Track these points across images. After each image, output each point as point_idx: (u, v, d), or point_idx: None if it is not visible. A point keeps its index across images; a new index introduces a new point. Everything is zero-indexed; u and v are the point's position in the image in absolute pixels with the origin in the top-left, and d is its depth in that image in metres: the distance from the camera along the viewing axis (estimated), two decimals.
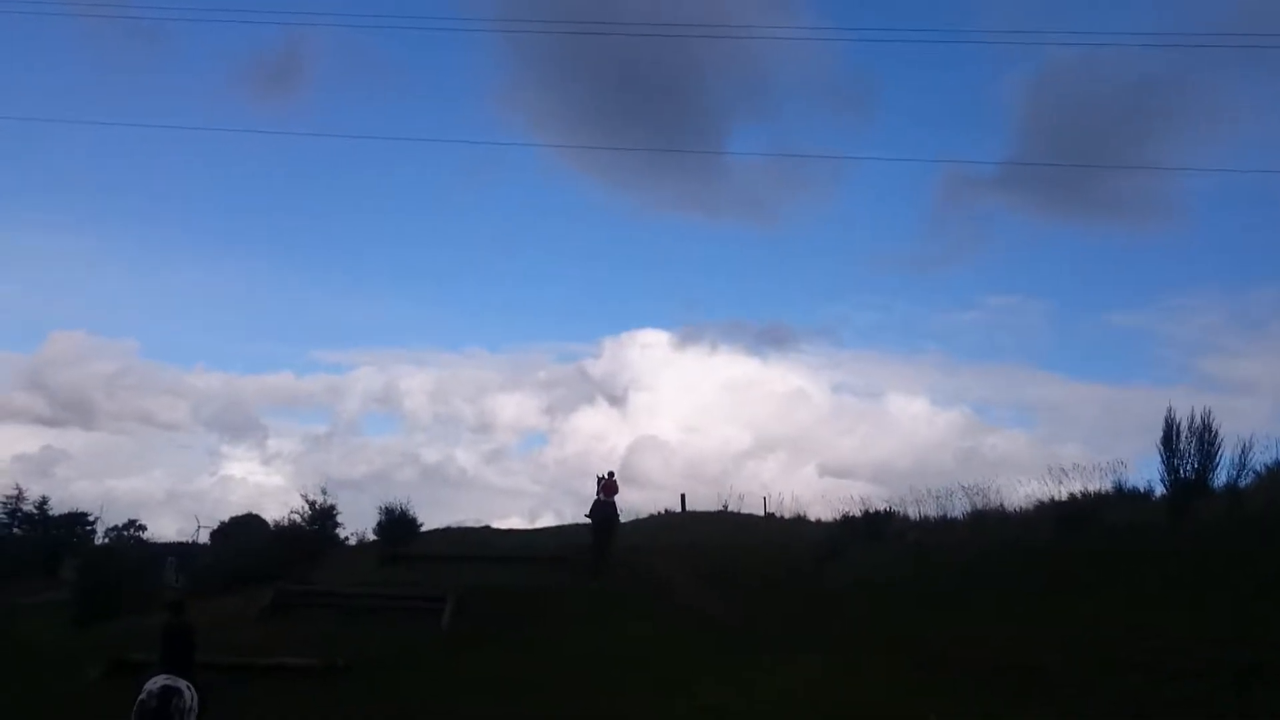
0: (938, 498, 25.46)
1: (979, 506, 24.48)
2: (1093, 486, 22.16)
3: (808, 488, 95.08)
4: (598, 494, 24.84)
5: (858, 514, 25.33)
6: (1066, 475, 22.89)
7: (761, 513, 34.33)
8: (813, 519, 31.31)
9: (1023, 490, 24.41)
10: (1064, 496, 22.38)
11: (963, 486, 25.31)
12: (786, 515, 32.85)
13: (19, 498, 71.17)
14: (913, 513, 25.81)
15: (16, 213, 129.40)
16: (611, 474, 25.32)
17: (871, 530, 24.17)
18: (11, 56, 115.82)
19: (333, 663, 16.68)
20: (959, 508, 24.92)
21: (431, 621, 19.36)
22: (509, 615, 19.36)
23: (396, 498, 27.24)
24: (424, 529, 28.45)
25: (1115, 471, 22.47)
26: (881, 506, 26.03)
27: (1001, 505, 24.40)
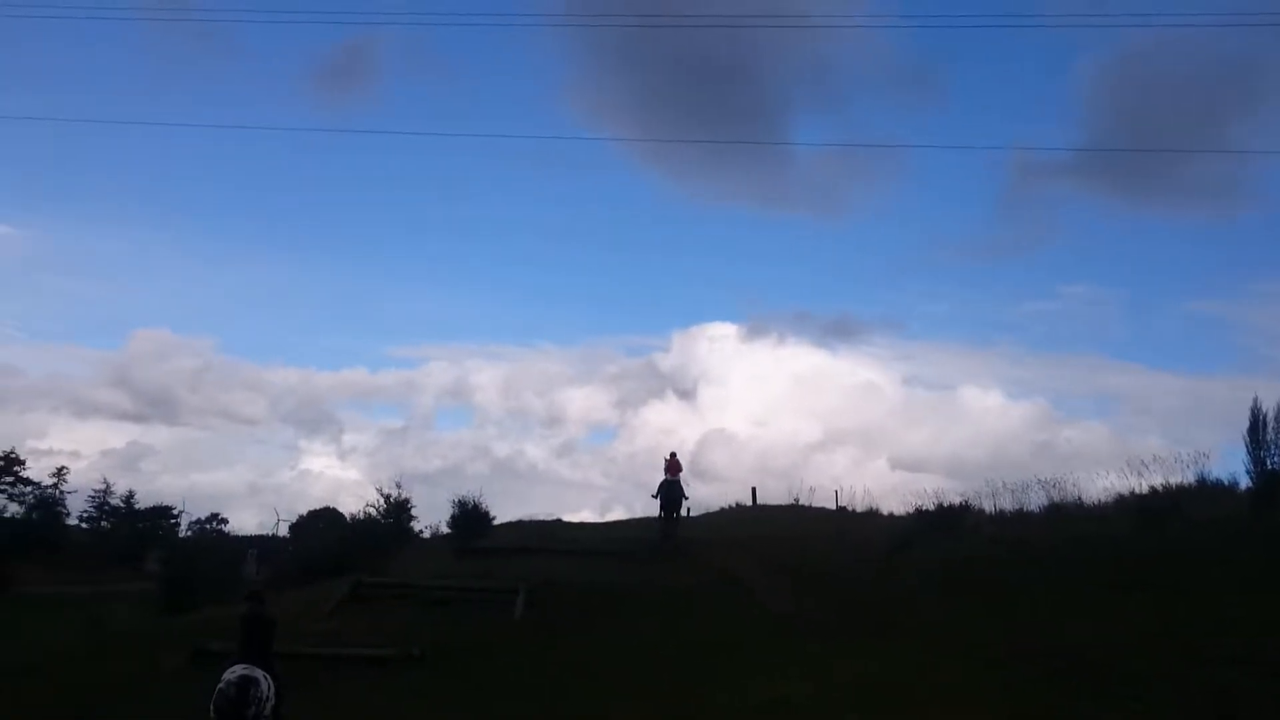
0: (1013, 491, 25.11)
1: (1055, 500, 24.08)
2: (1174, 479, 21.63)
3: (879, 481, 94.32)
4: (665, 474, 26.08)
5: (931, 508, 25.00)
6: (1146, 468, 22.39)
7: (833, 506, 34.17)
8: (885, 513, 31.06)
9: (1101, 483, 24.01)
10: (1144, 489, 21.88)
11: (1039, 479, 24.93)
12: (858, 509, 32.63)
13: (106, 492, 73.43)
14: (987, 506, 25.47)
15: (98, 214, 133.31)
16: (674, 454, 26.55)
17: (945, 524, 23.83)
18: (87, 60, 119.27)
19: (409, 653, 16.95)
20: (1035, 501, 24.55)
21: (504, 613, 19.60)
22: (579, 607, 19.53)
23: (469, 491, 27.64)
24: (496, 522, 28.81)
25: (1197, 464, 21.94)
26: (955, 500, 25.70)
27: (1079, 498, 24.00)
